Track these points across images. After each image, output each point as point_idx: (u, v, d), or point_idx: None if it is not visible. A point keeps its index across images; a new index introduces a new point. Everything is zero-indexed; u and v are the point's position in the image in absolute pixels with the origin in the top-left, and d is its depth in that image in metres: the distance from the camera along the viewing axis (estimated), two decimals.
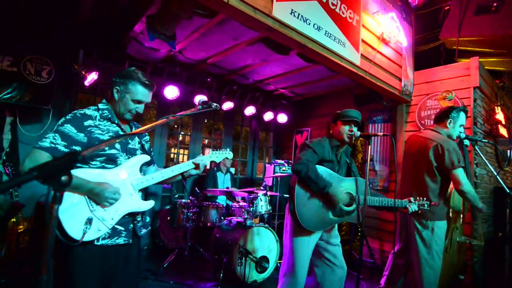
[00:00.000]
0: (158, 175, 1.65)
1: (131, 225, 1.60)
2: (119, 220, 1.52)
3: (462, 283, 2.86)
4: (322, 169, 2.19)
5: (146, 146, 1.80)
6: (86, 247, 1.42)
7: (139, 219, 1.65)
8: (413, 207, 2.26)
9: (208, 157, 1.83)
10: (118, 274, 1.56)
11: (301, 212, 2.11)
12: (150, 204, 1.63)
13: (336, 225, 2.36)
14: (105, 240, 1.48)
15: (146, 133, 1.80)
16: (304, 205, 2.13)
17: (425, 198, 2.31)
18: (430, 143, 2.45)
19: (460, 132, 2.61)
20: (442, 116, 2.57)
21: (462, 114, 2.56)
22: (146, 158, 1.67)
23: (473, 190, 2.41)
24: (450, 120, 2.54)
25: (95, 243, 1.45)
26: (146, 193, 1.64)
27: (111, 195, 1.45)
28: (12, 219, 3.03)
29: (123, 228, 1.55)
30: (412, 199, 2.29)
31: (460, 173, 2.35)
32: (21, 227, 3.08)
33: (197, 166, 1.74)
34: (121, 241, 1.55)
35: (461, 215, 2.91)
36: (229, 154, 1.94)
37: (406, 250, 2.69)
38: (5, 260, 2.90)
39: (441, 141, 2.41)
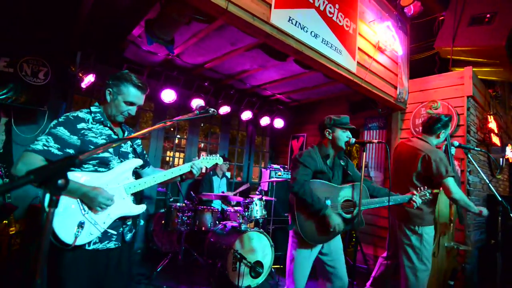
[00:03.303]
0: (151, 179, 1.65)
1: (121, 229, 1.60)
2: (111, 224, 1.52)
3: None
4: (318, 184, 2.19)
5: (138, 149, 1.81)
6: (76, 251, 1.40)
7: (129, 223, 1.65)
8: (417, 200, 2.26)
9: (200, 161, 1.85)
10: (109, 278, 1.56)
11: (303, 228, 2.13)
12: (142, 208, 1.63)
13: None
14: (96, 244, 1.48)
15: None
16: (306, 220, 2.15)
17: (426, 187, 2.34)
18: (419, 153, 2.53)
19: (452, 142, 2.73)
20: (430, 126, 2.66)
21: (448, 123, 2.67)
22: (139, 162, 1.68)
23: (465, 197, 2.48)
24: (439, 131, 2.64)
25: (86, 247, 1.45)
26: (141, 197, 1.65)
27: (105, 201, 1.44)
28: (4, 221, 2.99)
29: (114, 232, 1.55)
30: (414, 191, 2.30)
31: (450, 182, 2.43)
32: (12, 229, 3.03)
33: (190, 171, 1.77)
34: (111, 245, 1.55)
35: (450, 221, 2.99)
36: (219, 160, 1.96)
37: (394, 255, 2.78)
38: None
39: (428, 152, 2.50)
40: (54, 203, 0.84)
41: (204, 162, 1.88)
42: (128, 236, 1.66)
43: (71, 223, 1.39)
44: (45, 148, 1.39)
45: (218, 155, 1.96)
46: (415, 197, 2.27)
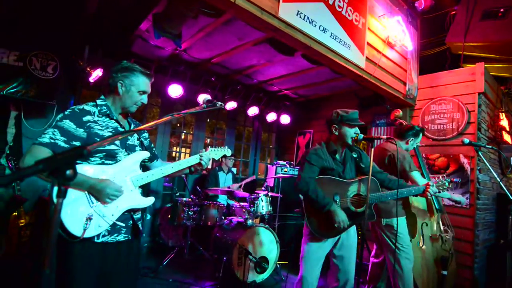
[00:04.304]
0: (158, 171, 1.66)
1: (131, 221, 1.60)
2: (119, 216, 1.52)
3: (446, 278, 2.94)
4: (326, 180, 2.21)
5: (145, 142, 1.81)
6: (85, 244, 1.41)
7: (138, 215, 1.65)
8: (432, 190, 2.30)
9: (208, 153, 1.86)
10: (118, 271, 1.55)
11: (311, 222, 2.19)
12: (150, 200, 1.63)
13: (354, 226, 2.38)
14: (105, 237, 1.48)
15: (145, 130, 1.83)
16: (314, 215, 2.19)
17: (445, 176, 2.37)
18: (386, 153, 2.84)
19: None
20: (402, 132, 2.98)
21: (419, 134, 2.98)
22: (146, 154, 1.69)
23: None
24: (409, 138, 2.95)
25: (95, 240, 1.45)
26: (148, 191, 1.65)
27: (113, 192, 1.45)
28: (14, 213, 3.04)
29: (123, 225, 1.55)
30: (430, 182, 2.34)
31: (415, 175, 2.67)
32: (22, 221, 3.09)
33: (199, 163, 1.78)
34: (121, 237, 1.55)
35: (430, 212, 3.08)
36: (227, 152, 1.97)
37: (381, 250, 2.98)
38: (6, 254, 2.92)
39: (393, 151, 2.80)
40: (62, 194, 0.83)
41: (212, 153, 1.88)
42: (139, 228, 1.66)
43: (79, 215, 1.40)
44: (52, 141, 1.40)
45: (226, 147, 1.96)
46: (431, 187, 2.30)
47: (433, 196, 3.03)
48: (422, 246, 2.95)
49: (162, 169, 1.67)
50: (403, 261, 2.65)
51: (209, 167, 4.93)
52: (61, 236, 1.35)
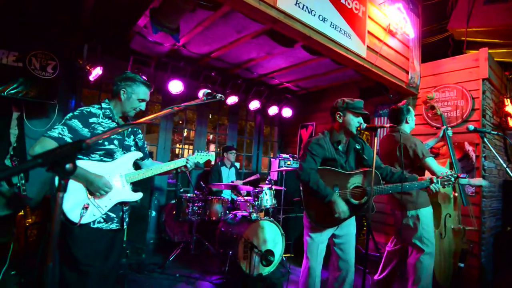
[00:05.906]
0: (149, 171, 1.88)
1: (121, 213, 1.82)
2: (111, 207, 1.74)
3: (462, 270, 2.90)
4: (326, 171, 2.19)
5: (140, 143, 2.04)
6: (83, 228, 1.63)
7: (126, 208, 1.87)
8: (435, 187, 2.21)
9: (194, 157, 2.06)
10: (114, 254, 1.81)
11: (311, 212, 2.20)
12: (138, 195, 1.85)
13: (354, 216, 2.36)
14: (100, 223, 1.71)
15: (140, 131, 2.07)
16: (313, 205, 2.19)
17: (452, 172, 2.29)
18: (396, 144, 2.68)
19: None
20: (396, 117, 2.81)
21: (409, 108, 2.82)
22: (139, 154, 1.93)
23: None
24: (403, 117, 2.79)
25: (91, 225, 1.67)
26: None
27: (103, 187, 1.65)
28: (20, 213, 3.06)
29: (115, 215, 1.78)
30: (434, 178, 2.23)
31: (430, 161, 2.53)
32: (29, 220, 3.11)
33: (185, 165, 1.97)
34: (113, 226, 1.78)
35: (454, 203, 2.99)
36: (212, 157, 2.15)
37: (399, 241, 2.88)
38: (14, 253, 2.94)
39: (403, 141, 2.65)
40: (63, 188, 0.83)
41: (198, 158, 2.08)
42: (127, 219, 1.90)
43: (78, 205, 1.61)
44: (60, 136, 1.59)
45: (210, 152, 2.16)
46: (434, 184, 2.20)
47: (460, 186, 2.94)
48: (444, 237, 2.86)
49: (152, 169, 1.90)
50: (423, 256, 2.54)
51: (212, 163, 4.92)
52: (63, 222, 1.54)
